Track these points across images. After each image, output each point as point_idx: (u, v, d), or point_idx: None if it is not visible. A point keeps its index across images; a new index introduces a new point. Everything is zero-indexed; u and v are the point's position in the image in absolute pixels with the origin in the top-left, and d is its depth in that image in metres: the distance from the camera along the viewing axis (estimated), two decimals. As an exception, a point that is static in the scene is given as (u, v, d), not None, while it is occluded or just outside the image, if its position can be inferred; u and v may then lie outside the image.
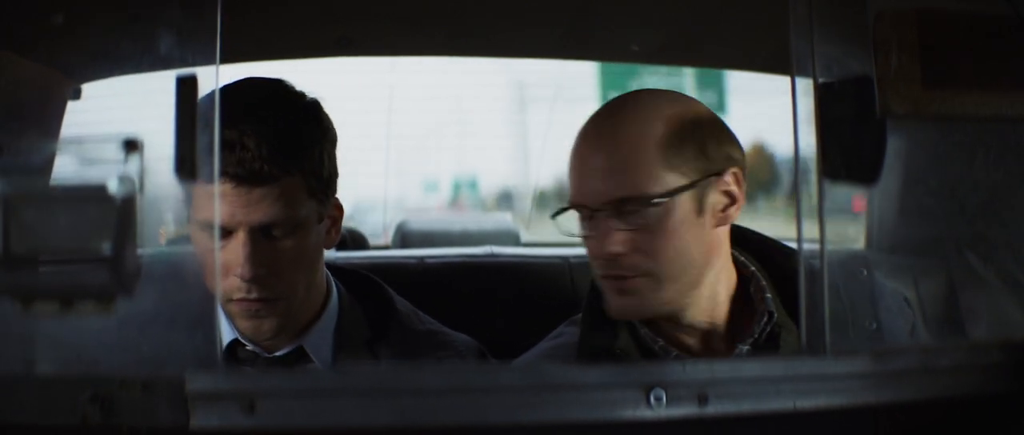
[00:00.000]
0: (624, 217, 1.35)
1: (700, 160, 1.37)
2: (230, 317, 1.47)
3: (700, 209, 1.37)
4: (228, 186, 1.37)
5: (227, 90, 1.41)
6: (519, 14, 1.95)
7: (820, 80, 1.04)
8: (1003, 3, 1.18)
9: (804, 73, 1.04)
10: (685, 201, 1.36)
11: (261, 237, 1.40)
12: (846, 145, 1.06)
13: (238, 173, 1.37)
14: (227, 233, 1.39)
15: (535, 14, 1.95)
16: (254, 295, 1.41)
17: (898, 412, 1.00)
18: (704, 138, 1.38)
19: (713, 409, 0.95)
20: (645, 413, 0.93)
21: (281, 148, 1.40)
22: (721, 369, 0.97)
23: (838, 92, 1.08)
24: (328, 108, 1.52)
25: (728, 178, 1.38)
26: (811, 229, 1.04)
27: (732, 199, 1.40)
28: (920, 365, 1.02)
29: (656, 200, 1.34)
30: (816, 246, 1.02)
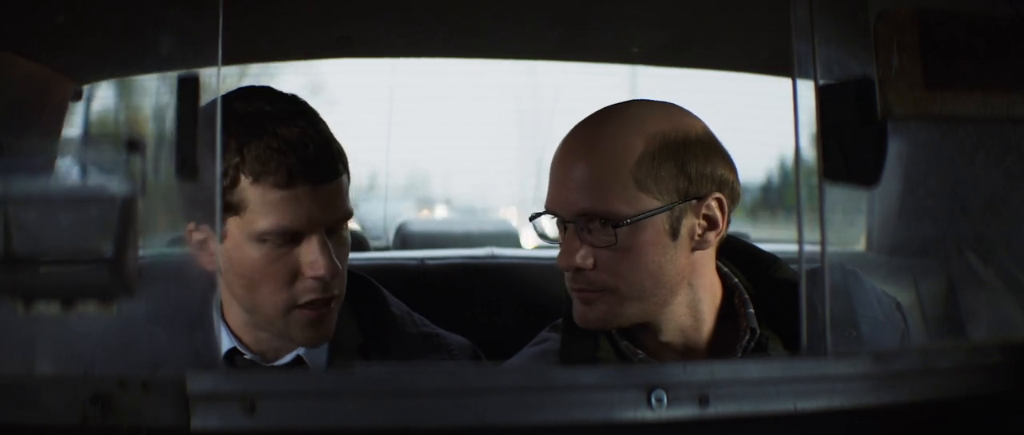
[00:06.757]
0: (591, 233, 1.32)
1: (679, 181, 1.31)
2: (288, 327, 1.40)
3: (674, 233, 1.32)
4: (304, 188, 1.33)
5: (253, 92, 1.41)
6: (519, 15, 1.95)
7: (821, 81, 1.04)
8: (1003, 3, 1.18)
9: (805, 75, 1.04)
10: (657, 223, 1.31)
11: (330, 234, 1.39)
12: (847, 146, 1.06)
13: (316, 171, 1.34)
14: (294, 238, 1.35)
15: (535, 15, 1.95)
16: (329, 293, 1.38)
17: (898, 413, 1.00)
18: (686, 159, 1.31)
19: (714, 410, 0.94)
20: (646, 414, 0.93)
21: (334, 143, 1.41)
22: (722, 370, 0.97)
23: (839, 93, 1.07)
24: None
25: (711, 202, 1.33)
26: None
27: (712, 224, 1.34)
28: (920, 366, 1.02)
29: (623, 221, 1.30)
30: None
